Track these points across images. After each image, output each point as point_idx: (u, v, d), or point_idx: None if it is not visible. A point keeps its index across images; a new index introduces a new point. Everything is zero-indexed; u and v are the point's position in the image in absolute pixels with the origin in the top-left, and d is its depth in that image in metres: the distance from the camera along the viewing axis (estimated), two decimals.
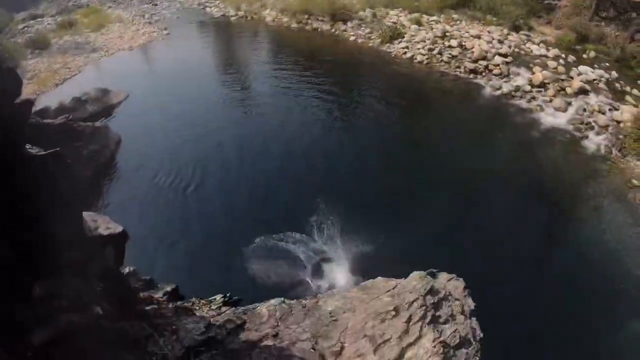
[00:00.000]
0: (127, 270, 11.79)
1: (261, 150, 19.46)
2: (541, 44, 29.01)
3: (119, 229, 7.44)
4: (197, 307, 8.98)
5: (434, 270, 9.60)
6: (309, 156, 19.08)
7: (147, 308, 8.67)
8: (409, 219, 15.52)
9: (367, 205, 16.19)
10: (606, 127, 21.72)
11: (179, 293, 11.73)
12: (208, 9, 41.60)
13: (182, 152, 19.53)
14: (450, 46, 28.65)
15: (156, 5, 46.53)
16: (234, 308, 8.76)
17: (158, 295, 10.96)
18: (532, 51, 27.99)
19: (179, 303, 9.26)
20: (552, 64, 26.14)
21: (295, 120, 22.11)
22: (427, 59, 28.22)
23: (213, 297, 9.69)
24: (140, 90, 25.83)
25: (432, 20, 32.38)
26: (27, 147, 6.29)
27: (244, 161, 18.78)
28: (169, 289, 11.65)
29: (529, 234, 15.74)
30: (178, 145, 19.97)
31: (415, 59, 28.48)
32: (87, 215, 7.69)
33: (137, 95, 25.24)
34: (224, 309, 8.77)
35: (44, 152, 6.20)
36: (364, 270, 12.93)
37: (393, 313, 7.69)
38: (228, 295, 9.80)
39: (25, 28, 42.08)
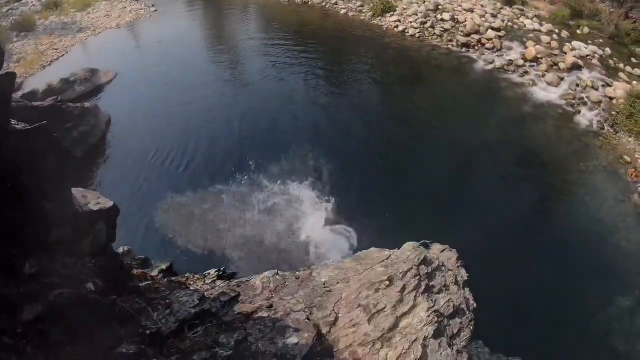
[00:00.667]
0: (122, 249, 11.78)
1: (252, 124, 19.43)
2: (535, 19, 28.79)
3: (110, 203, 7.36)
4: (192, 282, 8.96)
5: (427, 242, 9.64)
6: (299, 128, 19.11)
7: (141, 284, 8.64)
8: (401, 191, 15.62)
9: (358, 176, 16.26)
10: (599, 103, 21.72)
11: (173, 270, 11.75)
12: None
13: (174, 128, 19.44)
14: (442, 20, 28.30)
15: None
16: (228, 281, 8.77)
17: (153, 273, 10.96)
18: (525, 26, 27.78)
19: (173, 278, 9.25)
20: (545, 38, 26.00)
21: (285, 95, 21.96)
22: (419, 32, 27.91)
23: (207, 272, 9.71)
24: (129, 68, 25.47)
25: None
26: (13, 122, 6.14)
27: (235, 135, 18.76)
28: (164, 267, 11.67)
29: (521, 208, 15.86)
30: (169, 122, 19.87)
31: (407, 32, 28.16)
32: (76, 191, 7.59)
33: (126, 73, 24.88)
34: (218, 282, 8.78)
35: (29, 127, 6.05)
36: (357, 240, 13.04)
37: (387, 283, 7.72)
38: (222, 269, 9.83)
39: (10, 11, 41.14)
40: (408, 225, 13.45)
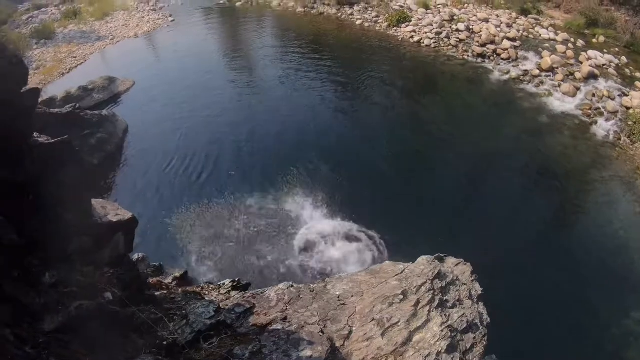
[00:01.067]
0: (137, 257, 11.96)
1: (268, 133, 19.56)
2: (550, 28, 28.65)
3: (128, 215, 7.50)
4: (207, 292, 9.06)
5: (442, 255, 9.61)
6: (314, 139, 19.19)
7: (157, 293, 8.77)
8: (416, 203, 15.58)
9: (372, 188, 16.25)
10: (615, 113, 21.54)
11: (187, 278, 11.86)
12: None
13: (190, 138, 19.65)
14: (457, 30, 28.43)
15: None
16: (242, 292, 8.85)
17: (167, 281, 11.09)
18: (540, 35, 27.69)
19: (188, 288, 9.36)
20: (561, 48, 25.84)
21: (302, 103, 22.18)
22: (435, 42, 28.05)
23: (222, 282, 9.78)
24: (146, 77, 25.87)
25: (439, 4, 31.92)
26: (35, 135, 6.32)
27: (251, 145, 18.86)
28: (177, 274, 11.80)
29: (536, 220, 15.72)
30: (186, 132, 20.08)
31: (423, 42, 28.30)
32: (96, 202, 7.75)
33: (144, 82, 25.26)
34: (233, 293, 8.86)
35: (52, 140, 6.22)
36: (371, 253, 13.04)
37: (401, 297, 7.73)
38: (237, 280, 9.89)
39: (30, 19, 42.06)
40: (423, 237, 13.43)
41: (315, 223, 14.43)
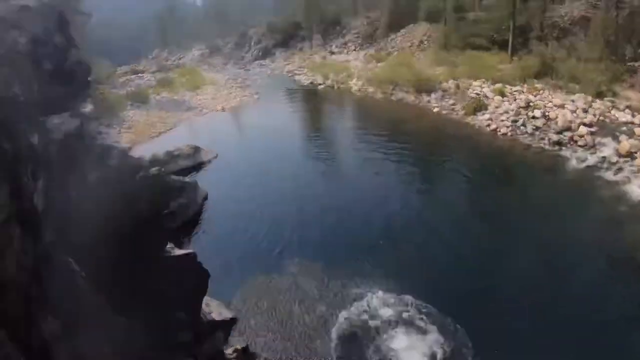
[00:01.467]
0: None
1: (344, 217, 20.05)
2: (626, 110, 27.96)
3: (230, 315, 8.32)
4: None
5: None
6: (388, 225, 19.42)
7: None
8: (487, 295, 15.15)
9: (443, 277, 16.02)
10: None
11: (249, 352, 12.05)
12: (297, 77, 44.76)
13: (266, 211, 20.64)
14: (534, 117, 28.54)
15: (248, 70, 50.79)
16: None
17: (228, 351, 11.61)
18: (617, 118, 27.16)
19: None
20: (639, 131, 25.14)
21: (378, 190, 22.77)
22: (511, 131, 28.30)
23: None
24: (229, 150, 27.91)
25: (515, 91, 32.33)
26: (168, 246, 7.41)
27: (326, 227, 19.31)
28: (239, 347, 12.11)
29: (618, 319, 14.69)
30: (261, 207, 21.10)
31: (499, 131, 28.67)
32: None
33: (227, 155, 27.25)
34: None
35: (179, 253, 7.25)
36: (441, 350, 12.69)
37: None
38: None
39: (127, 81, 46.94)
40: (496, 334, 13.03)
41: (384, 308, 14.22)
